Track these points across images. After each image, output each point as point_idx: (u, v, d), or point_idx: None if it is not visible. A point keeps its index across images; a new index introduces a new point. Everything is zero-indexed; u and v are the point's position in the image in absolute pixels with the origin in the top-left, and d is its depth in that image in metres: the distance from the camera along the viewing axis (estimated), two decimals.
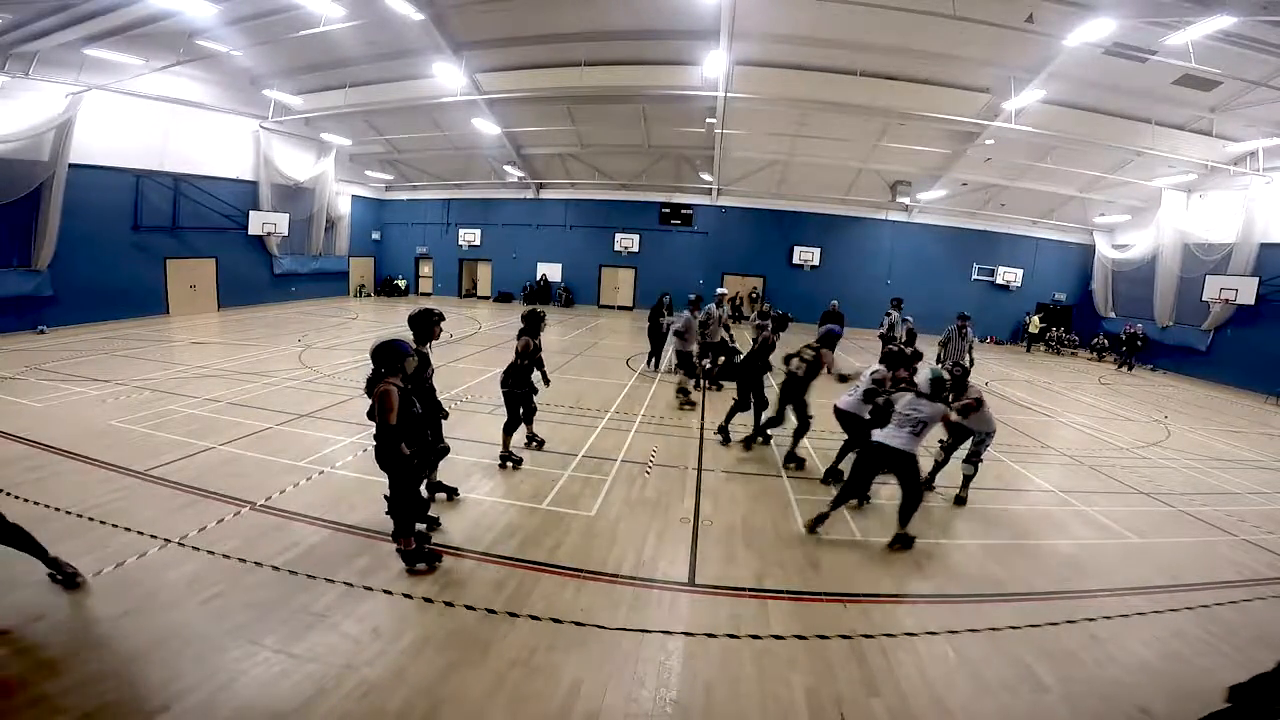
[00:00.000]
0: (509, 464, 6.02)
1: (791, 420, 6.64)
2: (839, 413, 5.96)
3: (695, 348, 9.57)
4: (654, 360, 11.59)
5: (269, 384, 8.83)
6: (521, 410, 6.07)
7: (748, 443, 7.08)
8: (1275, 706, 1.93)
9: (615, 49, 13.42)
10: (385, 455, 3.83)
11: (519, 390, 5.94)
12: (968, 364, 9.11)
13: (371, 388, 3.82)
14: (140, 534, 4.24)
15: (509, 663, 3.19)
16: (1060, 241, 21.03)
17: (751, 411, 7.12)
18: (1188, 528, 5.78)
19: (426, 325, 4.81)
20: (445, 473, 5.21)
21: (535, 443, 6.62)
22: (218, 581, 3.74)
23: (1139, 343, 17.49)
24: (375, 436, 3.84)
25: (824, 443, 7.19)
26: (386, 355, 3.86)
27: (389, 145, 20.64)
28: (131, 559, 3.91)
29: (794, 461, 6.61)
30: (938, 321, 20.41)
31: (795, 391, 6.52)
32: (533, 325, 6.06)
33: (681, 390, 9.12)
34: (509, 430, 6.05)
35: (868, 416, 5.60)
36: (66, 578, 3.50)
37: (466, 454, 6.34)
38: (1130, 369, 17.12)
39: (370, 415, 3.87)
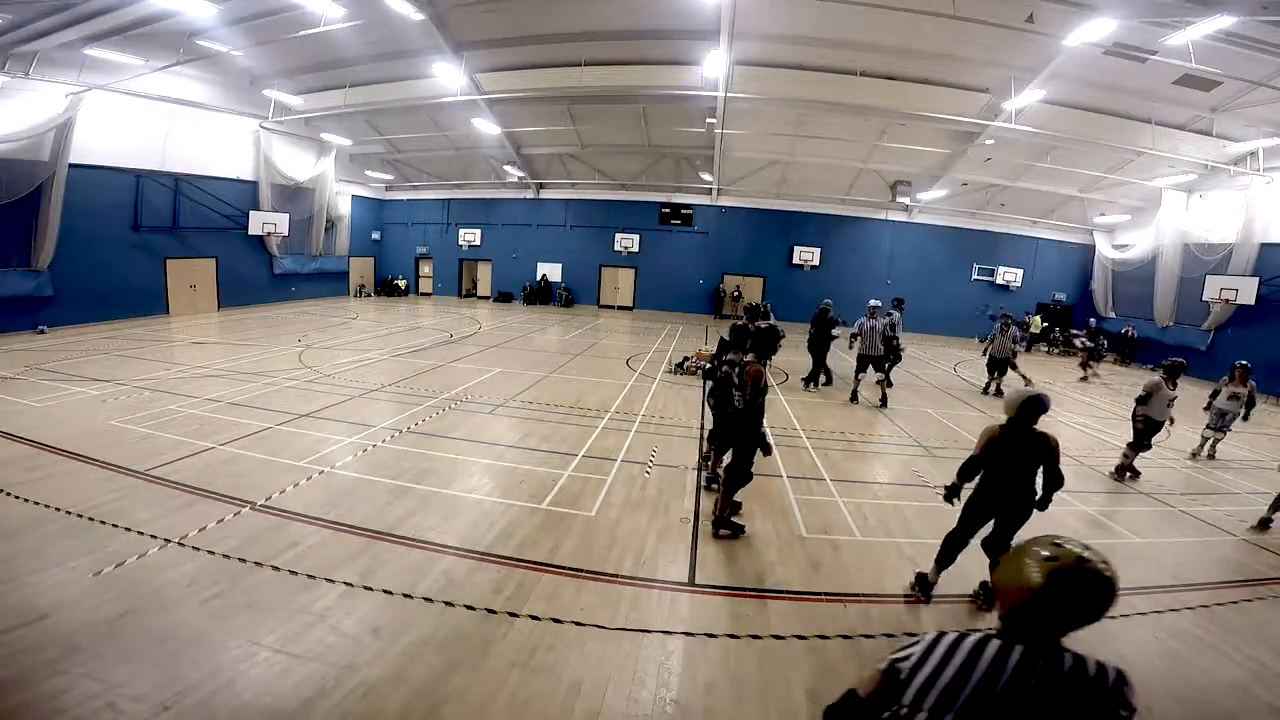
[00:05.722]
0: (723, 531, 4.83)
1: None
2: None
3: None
4: (824, 378, 10.85)
5: (269, 384, 8.83)
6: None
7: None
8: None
9: (615, 49, 13.41)
10: (744, 429, 4.50)
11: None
12: (1013, 358, 10.38)
13: None
14: (140, 534, 4.24)
15: (509, 663, 3.19)
16: (1060, 241, 21.00)
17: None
18: (1188, 528, 5.78)
19: (771, 342, 4.75)
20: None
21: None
22: (218, 581, 3.74)
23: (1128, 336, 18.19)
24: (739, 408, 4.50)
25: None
26: (1030, 408, 3.57)
27: (389, 145, 20.64)
28: (131, 559, 3.92)
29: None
30: (939, 321, 20.68)
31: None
32: (766, 345, 4.80)
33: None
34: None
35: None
36: None
37: (466, 453, 6.36)
38: (1123, 362, 17.87)
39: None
